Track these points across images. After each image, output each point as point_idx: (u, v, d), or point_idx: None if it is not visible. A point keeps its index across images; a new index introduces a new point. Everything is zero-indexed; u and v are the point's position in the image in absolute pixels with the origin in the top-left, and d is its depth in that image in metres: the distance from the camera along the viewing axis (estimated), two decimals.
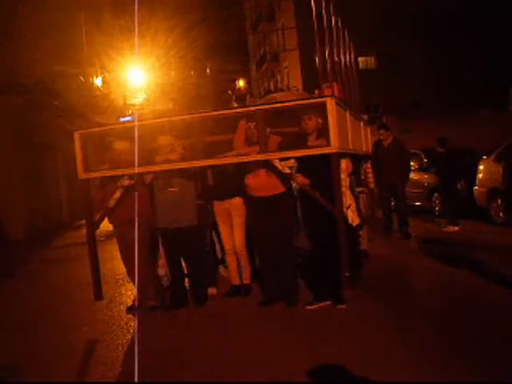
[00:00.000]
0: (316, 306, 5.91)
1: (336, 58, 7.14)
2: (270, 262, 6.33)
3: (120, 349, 5.42)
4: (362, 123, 8.48)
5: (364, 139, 8.53)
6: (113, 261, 9.10)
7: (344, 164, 5.98)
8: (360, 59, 8.17)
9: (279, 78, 37.73)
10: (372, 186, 8.97)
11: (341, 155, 5.86)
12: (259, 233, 6.36)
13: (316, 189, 5.71)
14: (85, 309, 6.92)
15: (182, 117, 6.46)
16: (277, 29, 34.97)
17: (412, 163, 13.23)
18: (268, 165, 5.92)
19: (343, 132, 6.10)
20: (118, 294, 7.42)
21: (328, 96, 5.73)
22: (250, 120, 6.05)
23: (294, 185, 6.19)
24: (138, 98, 13.76)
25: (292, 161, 5.82)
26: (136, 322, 5.97)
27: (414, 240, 9.89)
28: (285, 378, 4.29)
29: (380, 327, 5.25)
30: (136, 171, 6.15)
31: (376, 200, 10.21)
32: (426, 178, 13.30)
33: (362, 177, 8.64)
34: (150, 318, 6.07)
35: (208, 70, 11.78)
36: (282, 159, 5.80)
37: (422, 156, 13.88)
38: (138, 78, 16.97)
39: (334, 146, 5.51)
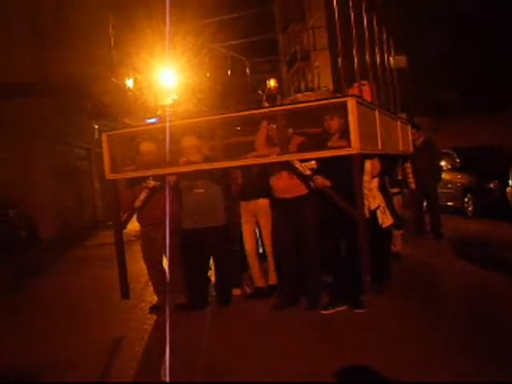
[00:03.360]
0: (331, 310, 5.84)
1: (367, 57, 6.99)
2: (290, 265, 6.24)
3: (151, 347, 5.52)
4: (399, 122, 8.19)
5: (402, 139, 8.23)
6: None
7: (368, 165, 5.82)
8: (391, 59, 8.12)
9: (310, 78, 37.62)
10: (413, 186, 8.81)
11: (366, 156, 5.75)
12: (281, 235, 6.28)
13: (337, 190, 5.56)
14: (116, 307, 7.00)
15: (205, 118, 6.47)
16: (307, 28, 34.86)
17: (444, 163, 13.12)
18: (289, 166, 5.82)
19: (369, 132, 5.95)
20: (150, 294, 7.47)
21: (349, 96, 5.57)
22: (273, 121, 5.97)
23: None
24: (169, 99, 13.89)
25: (313, 162, 5.68)
26: (167, 321, 6.00)
27: (446, 241, 9.76)
28: (310, 378, 4.29)
29: (405, 330, 5.22)
30: (159, 172, 6.23)
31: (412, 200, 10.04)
32: (458, 178, 13.16)
33: (399, 177, 8.46)
34: (177, 317, 6.08)
35: (247, 70, 11.83)
36: (303, 160, 5.67)
37: (455, 156, 13.73)
38: (169, 78, 17.08)
39: (354, 147, 5.32)
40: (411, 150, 9.11)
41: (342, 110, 5.45)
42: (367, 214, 5.76)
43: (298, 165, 5.67)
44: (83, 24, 18.43)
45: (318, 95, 7.37)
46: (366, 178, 5.74)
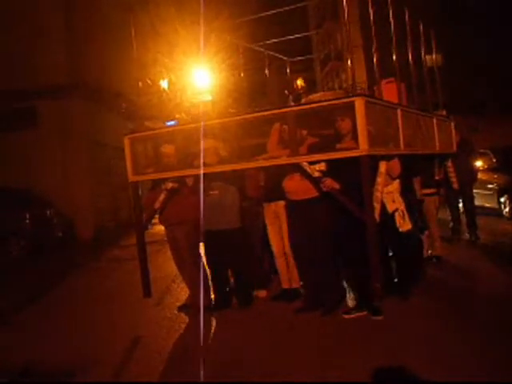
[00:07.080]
0: (354, 315, 5.77)
1: (394, 55, 6.83)
2: (306, 268, 6.19)
3: (177, 345, 5.61)
4: (435, 120, 7.80)
5: (440, 137, 7.82)
6: None
7: (383, 167, 5.61)
8: (427, 57, 7.92)
9: (344, 77, 37.34)
10: (456, 186, 8.63)
11: (383, 157, 5.60)
12: (295, 237, 6.22)
13: (351, 193, 5.36)
14: (145, 305, 7.09)
15: (217, 120, 6.43)
16: (341, 24, 34.63)
17: (481, 163, 12.90)
18: (300, 168, 5.68)
19: (388, 132, 5.81)
20: (185, 293, 7.53)
21: (357, 95, 5.34)
22: (286, 122, 5.82)
23: None
24: (202, 99, 13.94)
25: (322, 164, 5.51)
26: (201, 321, 6.03)
27: (482, 242, 9.60)
28: (349, 378, 4.28)
29: (432, 332, 5.15)
30: (177, 174, 6.31)
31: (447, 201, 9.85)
32: (494, 178, 12.93)
33: (436, 177, 8.28)
34: (205, 317, 6.12)
35: (288, 70, 11.80)
36: (313, 162, 5.52)
37: (491, 156, 13.50)
38: (202, 79, 17.14)
39: (362, 149, 5.14)
40: (453, 148, 8.78)
41: (352, 110, 5.26)
42: (377, 217, 5.48)
43: (306, 166, 5.56)
44: (117, 24, 18.63)
45: (335, 95, 7.23)
46: (379, 179, 5.52)
